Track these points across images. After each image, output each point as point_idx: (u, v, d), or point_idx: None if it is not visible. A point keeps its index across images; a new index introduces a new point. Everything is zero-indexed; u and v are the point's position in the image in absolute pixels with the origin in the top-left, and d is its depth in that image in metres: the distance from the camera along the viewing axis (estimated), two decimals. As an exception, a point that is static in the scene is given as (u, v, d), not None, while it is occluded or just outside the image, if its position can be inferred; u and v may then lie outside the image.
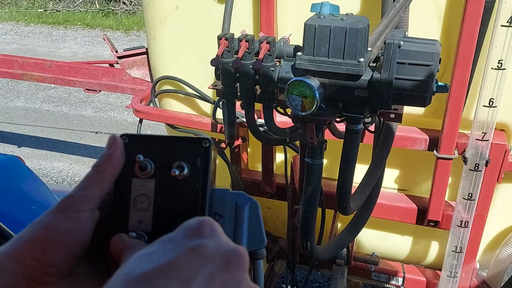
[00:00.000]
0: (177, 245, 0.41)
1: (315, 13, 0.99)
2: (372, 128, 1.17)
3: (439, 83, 0.96)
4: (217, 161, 0.59)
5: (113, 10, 9.39)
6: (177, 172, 0.51)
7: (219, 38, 1.10)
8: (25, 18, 9.44)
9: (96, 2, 9.74)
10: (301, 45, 0.98)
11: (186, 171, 0.52)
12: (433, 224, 1.65)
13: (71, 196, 0.49)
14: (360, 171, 1.32)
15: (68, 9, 9.49)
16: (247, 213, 0.55)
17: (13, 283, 0.46)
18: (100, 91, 2.74)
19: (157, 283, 0.37)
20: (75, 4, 9.70)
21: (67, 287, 0.39)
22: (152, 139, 0.53)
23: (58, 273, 0.47)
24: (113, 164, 0.51)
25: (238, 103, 1.21)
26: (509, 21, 1.25)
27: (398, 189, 1.79)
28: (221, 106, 1.27)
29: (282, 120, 1.45)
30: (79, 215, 0.48)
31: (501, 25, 1.27)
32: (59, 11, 9.39)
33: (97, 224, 0.51)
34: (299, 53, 0.97)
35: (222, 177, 1.87)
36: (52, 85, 5.51)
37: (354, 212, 1.43)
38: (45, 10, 9.42)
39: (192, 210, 0.51)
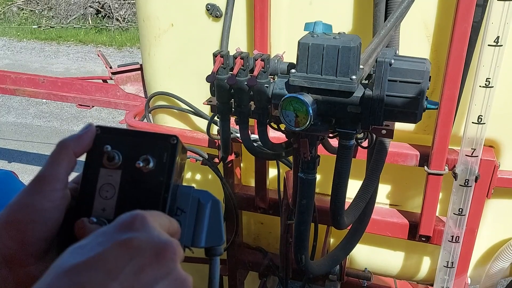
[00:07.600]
0: (108, 238, 0.42)
1: (308, 31, 1.02)
2: (365, 144, 1.19)
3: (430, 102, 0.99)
4: (185, 161, 0.61)
5: (106, 26, 9.43)
6: (141, 164, 0.53)
7: (215, 55, 1.12)
8: (18, 34, 9.45)
9: (89, 18, 9.78)
10: (295, 62, 1.01)
11: (151, 164, 0.54)
12: (424, 239, 1.67)
13: (41, 176, 0.51)
14: (353, 187, 1.34)
15: (62, 25, 9.52)
16: (209, 210, 0.58)
17: None
18: (93, 106, 2.75)
19: (84, 275, 0.38)
20: (68, 21, 9.73)
21: (44, 268, 0.41)
22: (123, 132, 0.56)
23: (37, 252, 0.49)
24: (78, 145, 0.54)
25: (232, 119, 1.22)
26: (495, 40, 1.29)
27: (389, 205, 1.81)
28: (216, 121, 1.28)
29: (275, 135, 1.47)
30: (53, 194, 0.50)
31: (488, 45, 1.30)
32: (53, 27, 9.42)
33: (68, 208, 0.53)
34: (293, 70, 1.00)
35: (215, 192, 1.87)
36: (44, 100, 5.51)
37: (347, 228, 1.44)
38: (39, 27, 9.45)
39: (154, 202, 0.53)
